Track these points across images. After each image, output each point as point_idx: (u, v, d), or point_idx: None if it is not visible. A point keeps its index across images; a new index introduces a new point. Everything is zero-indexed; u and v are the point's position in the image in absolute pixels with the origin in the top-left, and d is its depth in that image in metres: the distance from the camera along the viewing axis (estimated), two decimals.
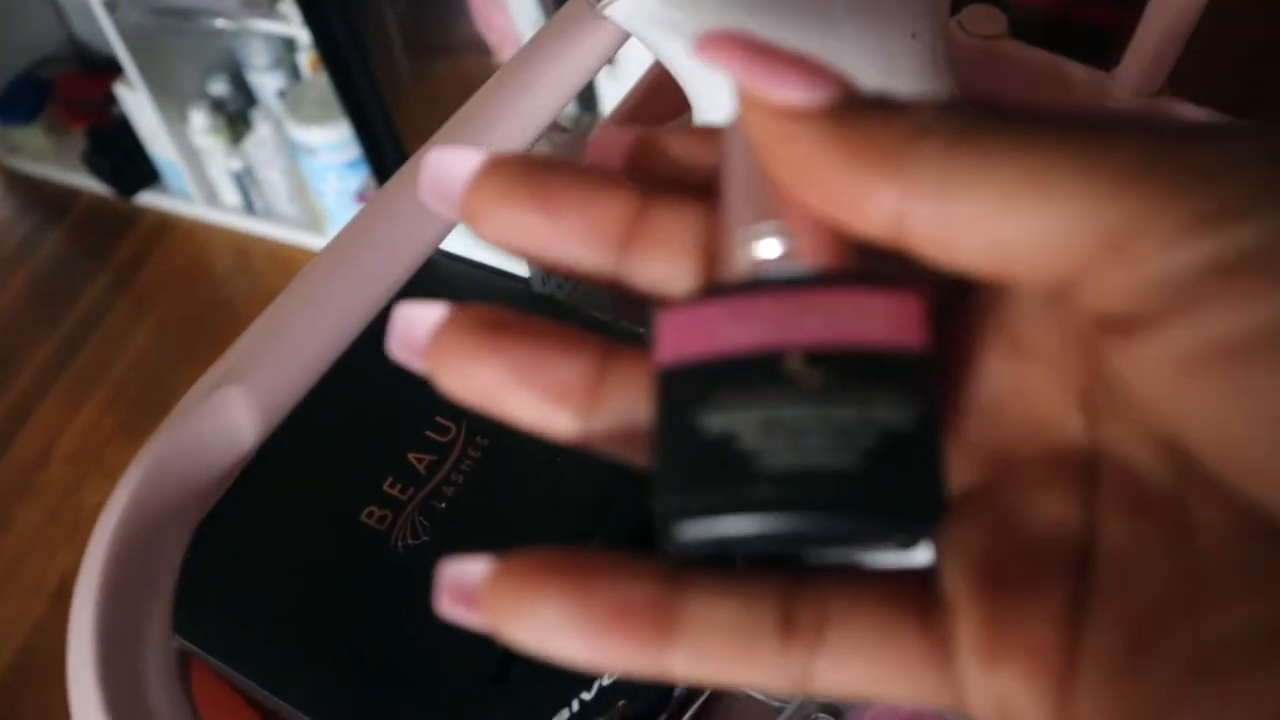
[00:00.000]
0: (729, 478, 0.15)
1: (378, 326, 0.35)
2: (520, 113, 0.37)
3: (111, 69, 1.63)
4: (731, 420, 0.15)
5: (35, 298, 1.74)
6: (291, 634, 0.38)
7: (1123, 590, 0.15)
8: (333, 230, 1.65)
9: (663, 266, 0.18)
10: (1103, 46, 0.71)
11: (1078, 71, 0.67)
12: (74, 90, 1.81)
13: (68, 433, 1.56)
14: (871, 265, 0.17)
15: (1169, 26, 0.62)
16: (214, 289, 1.75)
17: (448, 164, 0.19)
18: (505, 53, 1.40)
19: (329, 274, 0.32)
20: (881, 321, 0.16)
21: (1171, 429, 0.15)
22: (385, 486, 0.40)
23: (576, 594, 0.16)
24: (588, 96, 1.31)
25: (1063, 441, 0.17)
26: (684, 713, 0.48)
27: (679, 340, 0.16)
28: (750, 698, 0.49)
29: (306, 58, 1.54)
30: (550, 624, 0.16)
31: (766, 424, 0.15)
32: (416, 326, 0.19)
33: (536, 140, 0.38)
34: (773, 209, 0.17)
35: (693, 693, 0.49)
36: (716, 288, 0.17)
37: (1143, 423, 0.16)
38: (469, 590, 0.17)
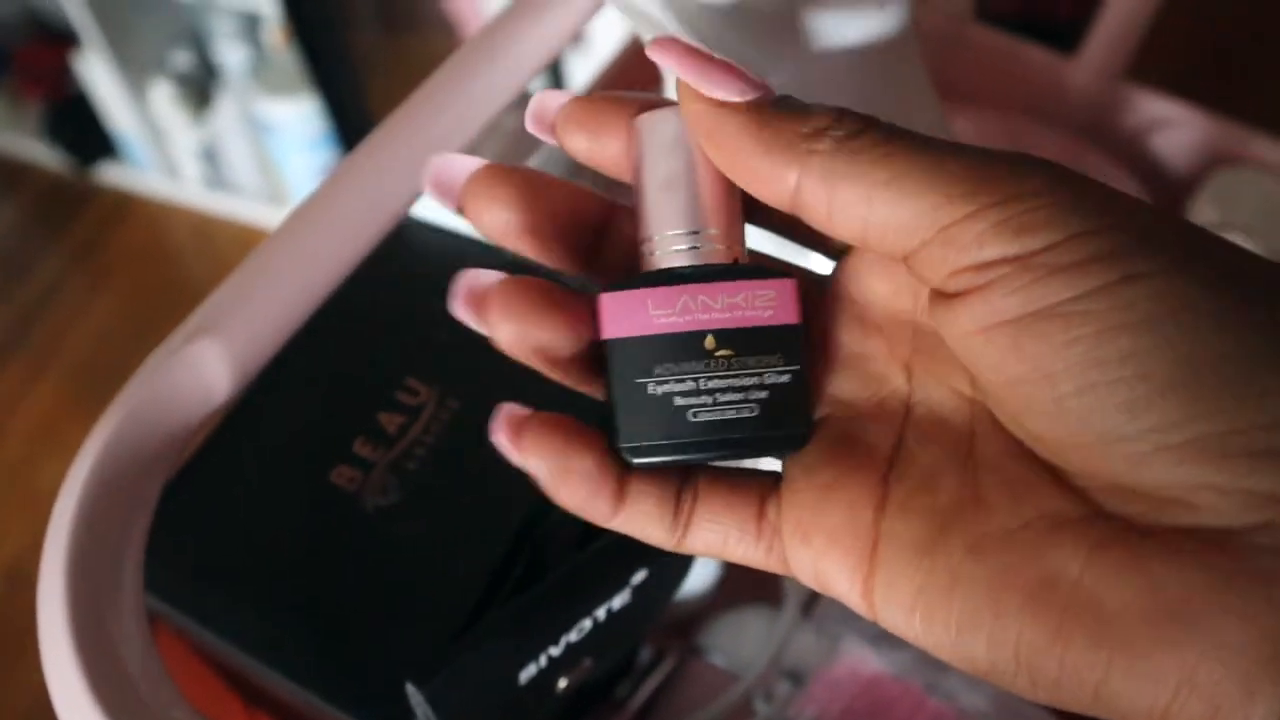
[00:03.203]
0: (668, 427, 0.22)
1: (349, 288, 0.35)
2: (485, 87, 0.37)
3: (71, 39, 1.59)
4: (668, 385, 0.22)
5: None
6: (261, 592, 0.38)
7: (917, 494, 0.21)
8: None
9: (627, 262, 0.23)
10: (1069, 38, 0.72)
11: (1037, 55, 0.68)
12: (33, 61, 1.77)
13: (21, 409, 1.53)
14: (756, 259, 0.23)
15: (1129, 14, 0.64)
16: (174, 268, 1.72)
17: (451, 165, 0.23)
18: (470, 27, 1.39)
19: (305, 229, 0.32)
20: (767, 303, 0.22)
21: (971, 374, 0.21)
22: (355, 447, 0.40)
23: (590, 453, 0.22)
24: (555, 74, 1.30)
25: (888, 391, 0.23)
26: (645, 679, 0.49)
27: (619, 319, 0.22)
28: (712, 666, 0.50)
29: (270, 30, 1.52)
30: (563, 470, 0.22)
31: (692, 388, 0.22)
32: (478, 285, 0.23)
33: (509, 110, 0.38)
34: (684, 214, 0.22)
35: (655, 660, 0.50)
36: (642, 277, 0.22)
37: (946, 380, 0.22)
38: (519, 422, 0.23)
